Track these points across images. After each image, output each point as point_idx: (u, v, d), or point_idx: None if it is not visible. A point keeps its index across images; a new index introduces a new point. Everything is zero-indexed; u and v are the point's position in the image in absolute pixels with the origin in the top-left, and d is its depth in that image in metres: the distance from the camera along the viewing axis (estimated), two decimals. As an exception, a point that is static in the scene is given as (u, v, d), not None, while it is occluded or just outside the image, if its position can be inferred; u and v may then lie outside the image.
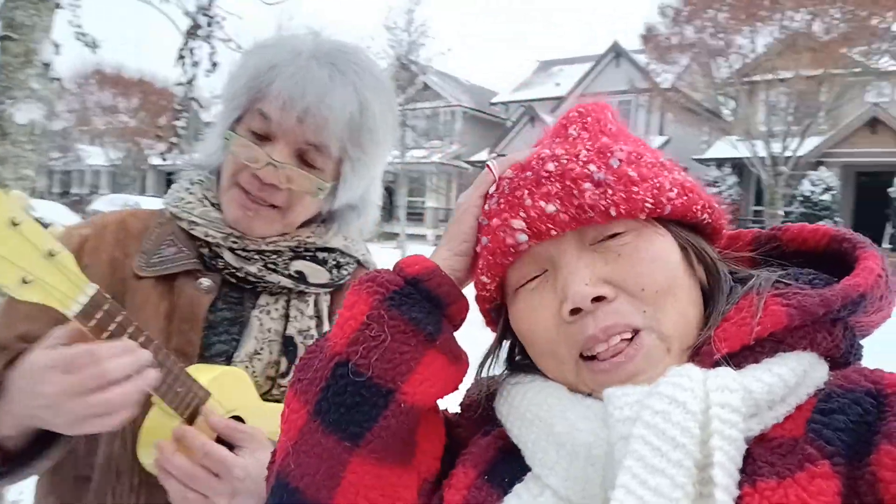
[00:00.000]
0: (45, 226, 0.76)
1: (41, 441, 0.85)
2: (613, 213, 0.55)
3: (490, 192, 0.63)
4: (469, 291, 0.67)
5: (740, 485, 0.46)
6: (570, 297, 0.54)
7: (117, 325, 0.79)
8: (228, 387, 0.93)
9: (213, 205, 1.02)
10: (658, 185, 0.57)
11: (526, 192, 0.58)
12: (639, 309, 0.54)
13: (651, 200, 0.56)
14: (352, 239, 1.12)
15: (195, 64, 3.95)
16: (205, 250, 1.00)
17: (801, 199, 17.48)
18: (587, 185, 0.56)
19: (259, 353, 0.99)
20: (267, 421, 0.96)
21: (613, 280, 0.55)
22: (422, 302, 0.60)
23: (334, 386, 0.58)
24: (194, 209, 1.01)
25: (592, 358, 0.55)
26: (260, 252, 1.01)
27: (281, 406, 0.99)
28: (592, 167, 0.57)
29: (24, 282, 0.73)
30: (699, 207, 0.60)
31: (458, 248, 0.64)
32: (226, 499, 0.83)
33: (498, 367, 0.68)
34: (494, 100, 29.12)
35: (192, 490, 0.83)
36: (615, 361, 0.54)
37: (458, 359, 0.62)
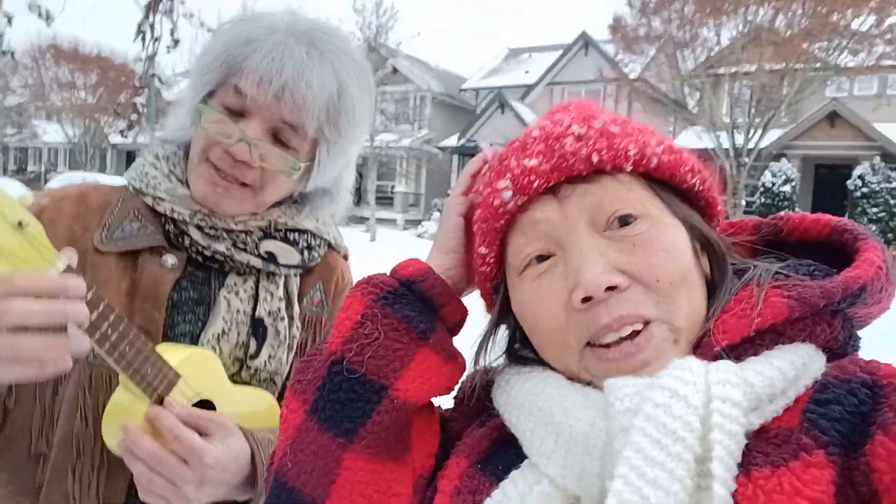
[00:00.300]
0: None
1: None
2: (595, 159, 0.55)
3: (483, 172, 0.64)
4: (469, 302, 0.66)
5: (736, 476, 0.46)
6: (582, 285, 0.53)
7: (87, 302, 0.73)
8: (198, 369, 0.90)
9: (180, 181, 0.98)
10: (643, 140, 0.58)
11: (512, 157, 0.59)
12: (652, 300, 0.54)
13: (635, 150, 0.56)
14: (323, 221, 1.10)
15: (156, 40, 3.83)
16: (170, 227, 0.96)
17: (763, 189, 17.88)
18: (568, 139, 0.57)
19: (227, 334, 0.97)
20: (236, 404, 0.95)
21: (628, 270, 0.54)
22: (415, 302, 0.62)
23: (329, 384, 0.59)
24: (160, 185, 0.97)
25: (599, 346, 0.55)
26: (228, 231, 0.98)
27: (250, 389, 0.99)
28: (575, 127, 0.58)
29: None
30: (687, 169, 0.60)
31: (446, 246, 0.66)
32: (193, 486, 0.81)
33: (495, 353, 0.67)
34: (464, 86, 28.99)
35: (159, 475, 0.80)
36: (625, 351, 0.53)
37: (454, 359, 0.63)
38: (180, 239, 0.97)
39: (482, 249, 0.62)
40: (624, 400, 0.50)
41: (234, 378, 0.99)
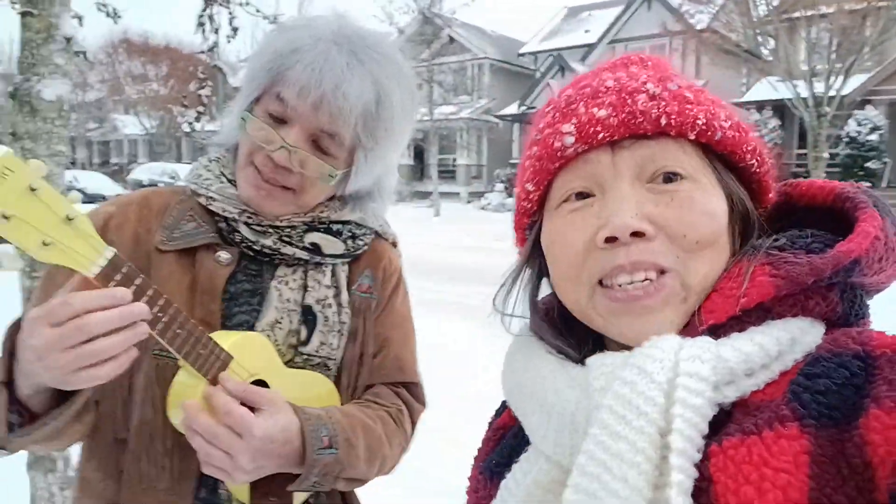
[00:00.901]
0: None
1: (60, 402, 0.86)
2: (664, 121, 0.56)
3: (546, 109, 0.63)
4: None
5: (708, 445, 0.48)
6: (610, 225, 0.54)
7: (136, 288, 0.81)
8: (250, 350, 0.96)
9: (229, 181, 1.05)
10: (713, 111, 0.58)
11: (581, 102, 0.59)
12: (673, 252, 0.55)
13: (703, 119, 0.56)
14: (368, 212, 1.14)
15: (216, 30, 3.95)
16: (223, 224, 1.03)
17: (847, 140, 16.81)
18: (642, 96, 0.57)
19: (279, 322, 1.03)
20: (288, 383, 1.00)
21: (658, 221, 0.55)
22: None
23: None
24: (211, 185, 1.04)
25: (611, 287, 0.56)
26: (274, 227, 1.03)
27: (306, 372, 1.04)
28: (650, 85, 0.58)
29: (44, 244, 0.76)
30: (749, 148, 0.59)
31: None
32: (247, 456, 0.87)
33: (519, 298, 0.68)
34: (522, 50, 28.41)
35: (216, 448, 0.87)
36: (632, 293, 0.54)
37: None
38: (232, 235, 1.03)
39: (529, 186, 0.63)
40: (600, 378, 0.53)
41: (290, 364, 1.04)
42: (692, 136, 0.57)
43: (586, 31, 26.59)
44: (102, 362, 0.76)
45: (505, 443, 0.67)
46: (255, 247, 1.03)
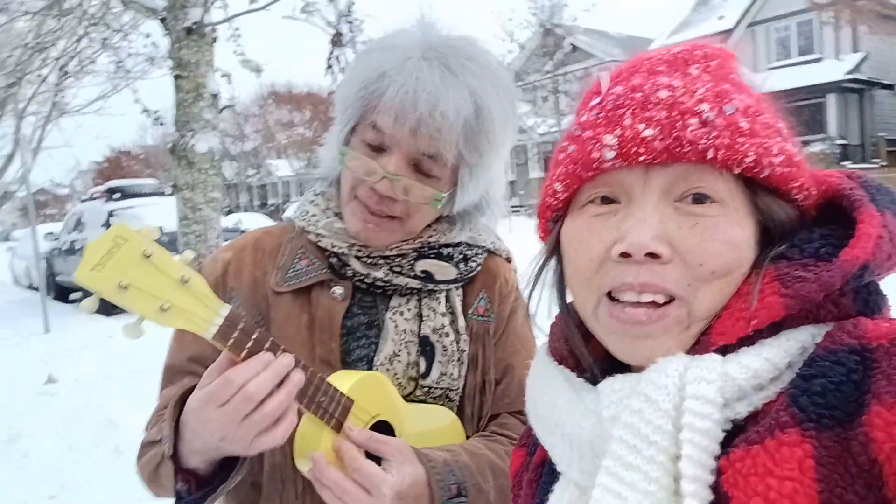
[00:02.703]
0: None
1: (224, 464, 0.91)
2: (710, 155, 0.52)
3: (592, 104, 0.60)
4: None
5: (718, 460, 0.47)
6: (627, 241, 0.53)
7: (254, 342, 0.82)
8: (369, 391, 0.95)
9: (335, 215, 1.04)
10: (766, 145, 0.54)
11: (629, 111, 0.55)
12: (685, 280, 0.53)
13: (753, 156, 0.53)
14: (478, 229, 1.10)
15: (343, 70, 4.20)
16: (333, 259, 1.03)
17: None
18: (694, 120, 0.53)
19: (398, 355, 1.01)
20: (411, 419, 0.99)
21: (678, 244, 0.53)
22: None
23: None
24: (319, 221, 1.04)
25: (617, 301, 0.55)
26: (384, 257, 1.02)
27: (427, 406, 1.03)
28: (705, 106, 0.53)
29: (162, 310, 0.78)
30: (798, 185, 0.55)
31: None
32: None
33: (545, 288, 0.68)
34: (652, 47, 27.30)
35: (345, 503, 0.87)
36: (635, 318, 0.54)
37: None
38: (344, 269, 1.02)
39: (558, 186, 0.60)
40: (610, 407, 0.53)
41: (411, 398, 1.02)
42: (737, 171, 0.53)
43: (720, 18, 24.97)
44: (275, 424, 0.81)
45: (544, 479, 0.66)
46: (366, 280, 1.02)
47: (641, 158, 0.53)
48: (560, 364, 0.64)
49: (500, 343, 1.08)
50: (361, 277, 1.02)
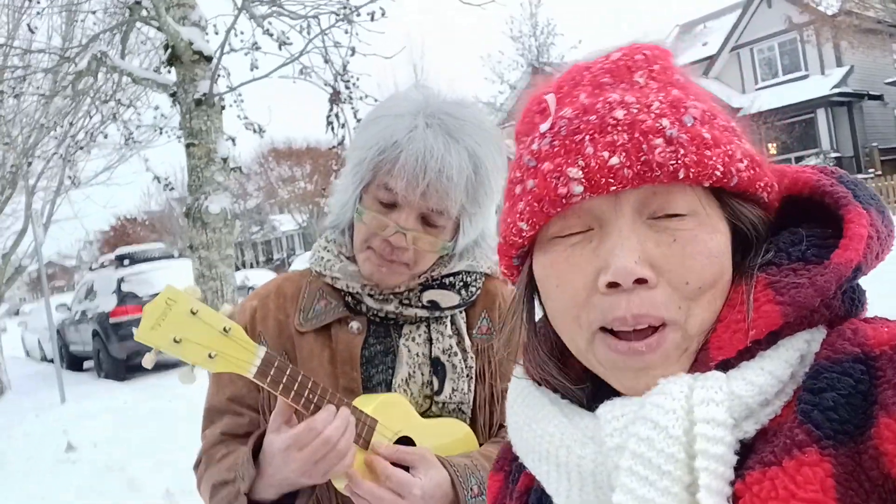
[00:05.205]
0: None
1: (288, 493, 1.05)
2: (682, 175, 0.50)
3: (542, 131, 0.55)
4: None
5: (734, 483, 0.46)
6: (612, 271, 0.50)
7: (288, 378, 0.97)
8: (390, 411, 1.07)
9: (348, 259, 1.16)
10: (730, 152, 0.52)
11: (587, 137, 0.52)
12: (675, 302, 0.51)
13: (721, 168, 0.51)
14: (475, 256, 1.21)
15: (342, 125, 4.38)
16: (349, 298, 1.16)
17: None
18: (658, 140, 0.50)
19: (413, 377, 1.13)
20: (429, 433, 1.11)
21: (660, 266, 0.51)
22: None
23: None
24: (334, 266, 1.16)
25: (612, 334, 0.53)
26: (394, 293, 1.15)
27: (443, 420, 1.15)
28: (665, 122, 0.51)
29: (210, 357, 0.92)
30: (762, 185, 0.54)
31: None
32: None
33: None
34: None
35: None
36: (634, 349, 0.51)
37: None
38: (359, 306, 1.16)
39: (523, 225, 0.56)
40: (613, 435, 0.50)
41: (427, 413, 1.13)
42: (707, 184, 0.52)
43: (704, 44, 25.54)
44: (343, 459, 0.98)
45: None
46: (380, 314, 1.15)
47: (612, 189, 0.51)
48: (540, 386, 0.61)
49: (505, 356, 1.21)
50: (375, 312, 1.15)
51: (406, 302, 1.15)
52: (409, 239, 1.07)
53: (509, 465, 0.69)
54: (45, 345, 14.08)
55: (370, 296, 1.15)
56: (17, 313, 36.56)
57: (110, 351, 10.22)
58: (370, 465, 1.02)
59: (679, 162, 0.50)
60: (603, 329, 0.53)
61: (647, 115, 0.52)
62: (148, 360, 0.92)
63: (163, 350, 0.91)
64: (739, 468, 0.46)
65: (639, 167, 0.50)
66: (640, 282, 0.50)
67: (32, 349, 16.16)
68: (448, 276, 1.18)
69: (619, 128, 0.51)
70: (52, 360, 9.89)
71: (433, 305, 1.16)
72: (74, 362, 12.84)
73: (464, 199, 1.07)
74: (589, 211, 0.54)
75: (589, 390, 0.59)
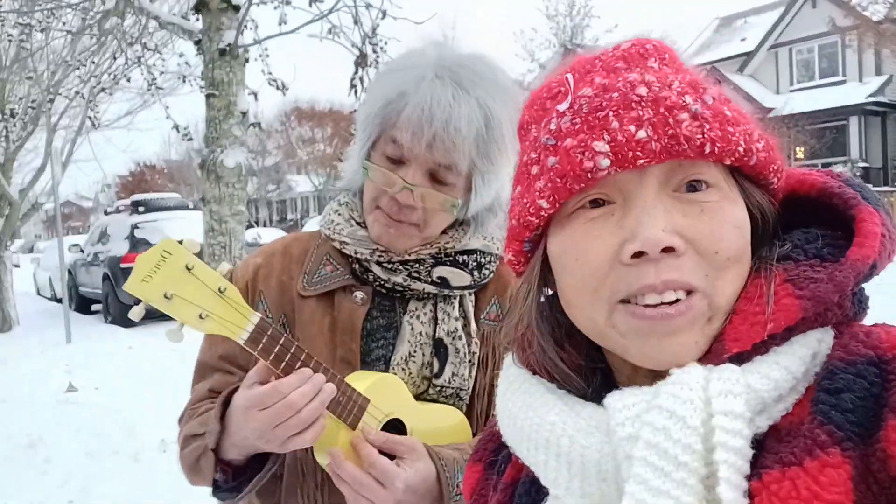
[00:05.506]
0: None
1: (256, 458, 1.01)
2: (708, 149, 0.50)
3: (561, 110, 0.55)
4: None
5: (749, 481, 0.45)
6: (640, 239, 0.49)
7: (280, 348, 0.92)
8: (384, 392, 1.02)
9: (358, 224, 1.11)
10: (749, 131, 0.53)
11: (611, 112, 0.51)
12: (703, 270, 0.50)
13: (743, 146, 0.52)
14: (492, 237, 1.17)
15: (366, 89, 4.29)
16: (356, 266, 1.10)
17: None
18: (684, 115, 0.50)
19: (413, 356, 1.08)
20: (421, 418, 1.06)
21: (688, 235, 0.50)
22: None
23: None
24: (343, 230, 1.11)
25: (636, 304, 0.52)
26: (404, 263, 1.09)
27: (437, 406, 1.09)
28: (689, 98, 0.51)
29: (201, 317, 0.87)
30: (775, 167, 0.55)
31: None
32: None
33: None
34: (672, 69, 27.23)
35: (362, 496, 0.94)
36: (663, 311, 0.50)
37: None
38: (365, 275, 1.10)
39: (543, 203, 0.54)
40: (625, 425, 0.48)
41: (424, 396, 1.08)
42: (728, 162, 0.52)
43: (742, 40, 25.00)
44: (306, 429, 0.91)
45: (520, 501, 0.61)
46: (386, 285, 1.09)
47: (640, 163, 0.50)
48: (535, 375, 0.60)
49: None
50: (382, 282, 1.09)
51: (416, 275, 1.09)
52: (417, 196, 1.02)
53: (490, 455, 0.67)
54: (55, 284, 14.24)
55: (378, 263, 1.09)
56: (31, 250, 37.07)
57: (119, 296, 10.30)
58: (356, 447, 0.96)
59: (705, 136, 0.50)
60: (622, 301, 0.52)
61: (670, 92, 0.52)
62: (135, 313, 0.87)
63: (152, 304, 0.85)
64: (752, 465, 0.45)
65: (666, 141, 0.50)
66: (667, 251, 0.50)
67: (43, 287, 16.36)
68: (462, 253, 1.12)
69: (643, 103, 0.51)
70: (60, 300, 9.97)
71: (443, 282, 1.10)
72: (83, 304, 12.97)
73: (474, 154, 1.01)
74: (613, 184, 0.53)
75: (587, 374, 0.58)
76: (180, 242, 0.88)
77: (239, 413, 0.93)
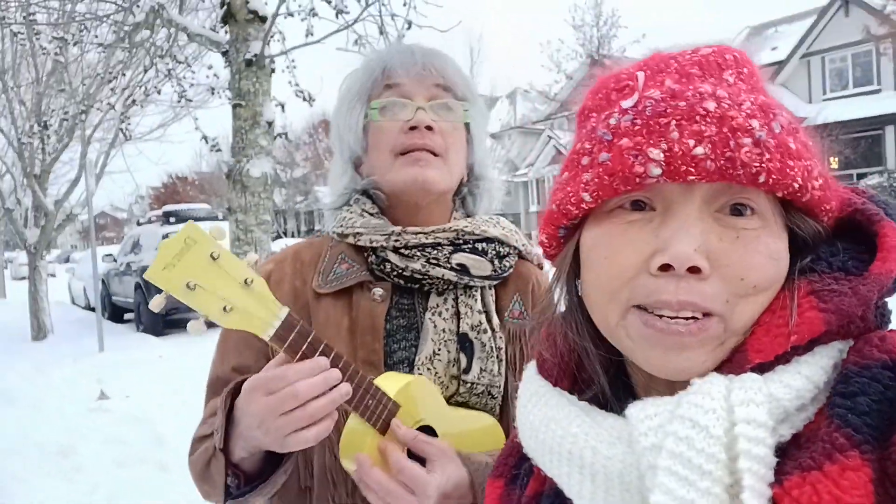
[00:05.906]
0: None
1: (271, 463, 0.95)
2: (763, 179, 0.49)
3: (624, 107, 0.54)
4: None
5: (771, 487, 0.45)
6: (669, 253, 0.49)
7: (308, 346, 0.86)
8: (415, 396, 0.96)
9: (371, 214, 1.08)
10: (809, 167, 0.52)
11: (674, 121, 0.50)
12: (723, 296, 0.50)
13: (800, 181, 0.51)
14: (509, 229, 1.14)
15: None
16: (371, 258, 1.06)
17: None
18: (747, 139, 0.49)
19: (438, 354, 1.03)
20: (454, 427, 1.00)
21: (718, 260, 0.50)
22: None
23: None
24: (355, 222, 1.07)
25: (651, 314, 0.52)
26: (420, 247, 1.05)
27: (469, 411, 1.04)
28: (755, 122, 0.50)
29: (225, 310, 0.80)
30: (828, 207, 0.54)
31: None
32: None
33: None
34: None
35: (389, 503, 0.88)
36: (674, 328, 0.50)
37: None
38: (382, 266, 1.05)
39: (587, 196, 0.54)
40: (648, 435, 0.48)
41: (455, 397, 1.03)
42: (780, 194, 0.51)
43: (773, 49, 24.59)
44: (311, 425, 0.84)
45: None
46: (405, 273, 1.05)
47: (691, 178, 0.49)
48: (555, 387, 0.60)
49: None
50: (399, 271, 1.05)
51: (434, 261, 1.05)
52: (433, 114, 1.06)
53: (511, 470, 0.67)
54: (89, 293, 14.53)
55: (395, 250, 1.05)
56: (66, 260, 37.97)
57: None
58: (383, 452, 0.91)
59: (763, 166, 0.49)
60: (637, 307, 0.52)
61: (738, 113, 0.50)
62: (156, 303, 0.81)
63: (173, 294, 0.79)
64: (776, 473, 0.45)
65: (722, 162, 0.49)
66: (694, 270, 0.50)
67: (78, 296, 16.72)
68: (481, 241, 1.09)
69: (709, 119, 0.50)
70: (94, 309, 10.16)
71: (463, 270, 1.06)
72: (116, 313, 13.22)
73: (462, 83, 1.10)
74: (658, 191, 0.52)
75: (604, 391, 0.59)
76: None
77: (244, 396, 0.87)
